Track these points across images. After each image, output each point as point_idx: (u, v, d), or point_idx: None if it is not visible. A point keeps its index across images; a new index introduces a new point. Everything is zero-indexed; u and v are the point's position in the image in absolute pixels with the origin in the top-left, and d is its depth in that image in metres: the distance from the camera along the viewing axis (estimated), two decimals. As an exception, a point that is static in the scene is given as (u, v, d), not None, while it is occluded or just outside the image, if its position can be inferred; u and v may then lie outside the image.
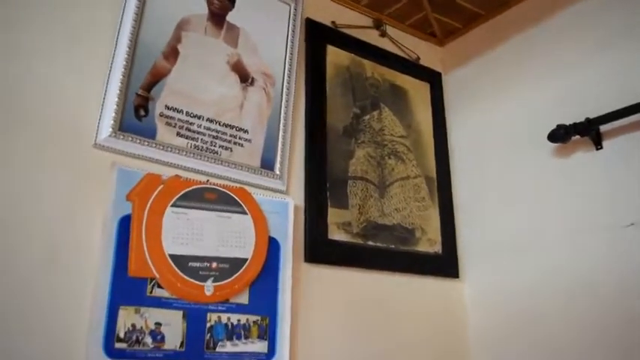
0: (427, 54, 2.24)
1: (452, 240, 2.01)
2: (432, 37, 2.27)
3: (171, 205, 1.41)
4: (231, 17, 1.68)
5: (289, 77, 1.74)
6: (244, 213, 1.52)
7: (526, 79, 1.91)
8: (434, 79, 2.21)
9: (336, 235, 1.70)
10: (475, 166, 2.04)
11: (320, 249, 1.66)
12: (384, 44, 2.10)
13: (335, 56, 1.90)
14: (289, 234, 1.59)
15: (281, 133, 1.67)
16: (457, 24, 2.18)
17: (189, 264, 1.38)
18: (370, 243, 1.77)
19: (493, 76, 2.05)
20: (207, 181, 1.49)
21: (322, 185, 1.72)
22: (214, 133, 1.54)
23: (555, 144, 1.70)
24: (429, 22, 2.17)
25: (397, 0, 2.04)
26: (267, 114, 1.67)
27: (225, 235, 1.47)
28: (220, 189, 1.50)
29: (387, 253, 1.81)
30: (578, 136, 1.63)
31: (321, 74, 1.84)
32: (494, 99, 2.02)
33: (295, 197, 1.66)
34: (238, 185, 1.54)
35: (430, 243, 1.94)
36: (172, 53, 1.53)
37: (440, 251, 1.96)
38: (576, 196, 1.64)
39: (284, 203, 1.62)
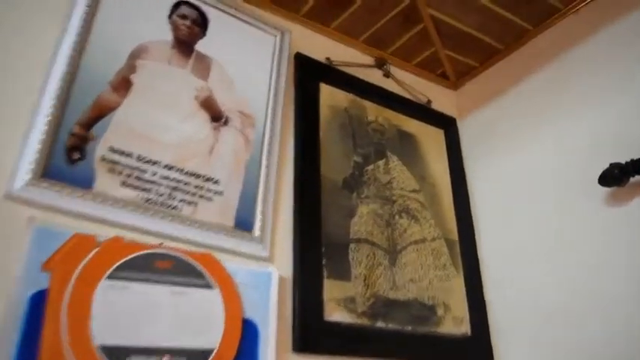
0: (439, 97, 1.94)
1: (483, 317, 1.59)
2: (444, 79, 1.98)
3: (108, 277, 1.04)
4: (201, 46, 1.39)
5: (273, 117, 1.42)
6: (209, 287, 1.14)
7: (559, 116, 1.58)
8: (448, 125, 1.89)
9: (335, 315, 1.30)
10: (505, 224, 1.66)
11: (314, 334, 1.25)
12: (389, 85, 1.80)
13: (330, 96, 1.60)
14: (272, 315, 1.20)
15: (262, 184, 1.32)
16: (472, 61, 1.89)
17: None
18: (380, 325, 1.37)
19: (517, 117, 1.72)
20: (161, 244, 1.13)
21: (316, 250, 1.34)
22: (174, 184, 1.20)
23: (609, 188, 1.33)
24: (440, 60, 1.88)
25: (401, 34, 1.76)
26: (244, 160, 1.33)
27: (182, 318, 1.08)
28: (177, 255, 1.13)
29: (402, 337, 1.39)
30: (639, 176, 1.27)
31: (313, 116, 1.52)
32: (521, 142, 1.68)
33: (281, 266, 1.28)
34: (203, 250, 1.18)
35: (456, 322, 1.53)
36: (123, 84, 1.22)
37: (469, 332, 1.54)
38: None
39: (265, 274, 1.24)
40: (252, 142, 1.36)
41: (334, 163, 1.50)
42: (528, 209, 1.60)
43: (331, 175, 1.47)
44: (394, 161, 1.66)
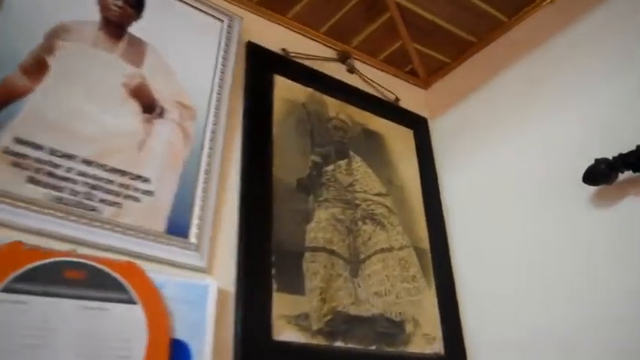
0: (409, 95, 1.80)
1: (457, 335, 1.44)
2: (414, 76, 1.84)
3: (2, 290, 0.86)
4: (136, 29, 1.23)
5: (217, 110, 1.25)
6: (131, 302, 0.96)
7: (539, 112, 1.44)
8: (418, 125, 1.75)
9: (285, 334, 1.13)
10: (481, 231, 1.51)
11: (260, 357, 1.08)
12: (354, 82, 1.65)
13: (286, 90, 1.44)
14: (208, 334, 1.02)
15: (201, 184, 1.16)
16: (443, 57, 1.76)
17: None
18: (339, 344, 1.20)
19: (493, 115, 1.59)
20: (73, 251, 0.95)
21: (264, 260, 1.17)
22: (93, 181, 1.02)
23: (595, 186, 1.19)
24: (408, 55, 1.74)
25: (364, 25, 1.62)
26: (182, 157, 1.16)
27: (94, 340, 0.90)
28: (92, 263, 0.95)
29: (364, 358, 1.22)
30: (629, 172, 1.13)
31: (265, 109, 1.36)
32: (498, 142, 1.54)
33: (222, 278, 1.11)
34: (125, 259, 1.00)
35: (427, 340, 1.36)
36: (38, 67, 1.05)
37: (442, 352, 1.38)
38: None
39: (201, 287, 1.06)
40: (192, 137, 1.20)
41: (289, 163, 1.34)
42: (507, 214, 1.45)
43: (285, 175, 1.31)
44: (357, 162, 1.50)
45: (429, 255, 1.51)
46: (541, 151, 1.40)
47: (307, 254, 1.25)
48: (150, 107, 1.16)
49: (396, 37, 1.67)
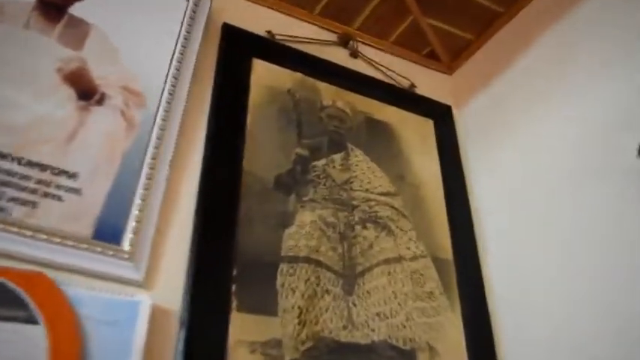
0: (427, 81, 1.53)
1: (491, 369, 1.12)
2: (434, 60, 1.57)
3: None
4: (78, 9, 1.07)
5: (172, 96, 1.06)
6: (30, 321, 0.76)
7: (579, 84, 1.14)
8: (440, 114, 1.47)
9: (247, 366, 0.88)
10: (519, 236, 1.20)
11: (209, 396, 0.84)
12: (359, 67, 1.42)
13: (268, 75, 1.23)
14: (136, 366, 0.80)
15: (143, 180, 0.95)
16: (466, 34, 1.48)
17: None
18: (322, 381, 0.93)
19: (529, 97, 1.29)
20: (-37, 261, 0.77)
21: (223, 272, 0.94)
22: (3, 177, 0.85)
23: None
24: (423, 34, 1.49)
25: (365, 2, 1.39)
26: (122, 149, 0.97)
27: (-25, 373, 0.71)
28: (-17, 275, 0.77)
29: (360, 399, 0.95)
30: None
31: (238, 97, 1.15)
32: (536, 128, 1.24)
33: (164, 294, 0.89)
34: (34, 269, 0.81)
35: (450, 377, 1.06)
36: (-48, 51, 0.91)
37: (471, 392, 1.07)
38: None
39: (130, 304, 0.84)
40: (138, 127, 1.01)
41: (266, 156, 1.11)
42: (550, 214, 1.14)
43: (259, 170, 1.09)
44: (357, 155, 1.25)
45: (453, 267, 1.22)
46: (584, 130, 1.09)
47: (283, 266, 1.01)
48: (87, 93, 0.99)
49: (404, 13, 1.42)
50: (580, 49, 1.19)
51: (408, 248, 1.18)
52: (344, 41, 1.43)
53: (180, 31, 1.14)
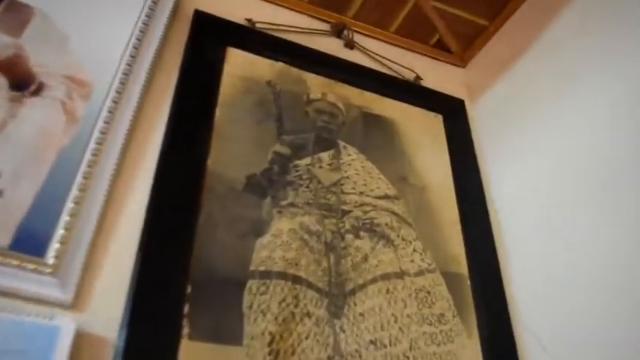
0: (435, 72, 1.35)
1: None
2: (443, 50, 1.39)
3: None
4: (21, -7, 0.95)
5: (123, 85, 0.91)
6: None
7: (616, 65, 0.94)
8: (451, 109, 1.28)
9: (199, 410, 0.70)
10: (549, 247, 0.99)
11: None
12: (356, 60, 1.25)
13: (244, 65, 1.07)
14: (47, 411, 0.63)
15: (80, 179, 0.80)
16: (477, 18, 1.30)
17: None
18: None
19: (557, 76, 1.09)
20: None
21: (173, 290, 0.77)
22: None
23: None
24: (428, 21, 1.31)
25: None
26: (58, 146, 0.82)
27: None
28: None
29: None
30: None
31: (206, 88, 0.99)
32: (568, 110, 1.04)
33: (96, 318, 0.72)
34: None
35: (468, 420, 0.84)
36: None
37: None
38: None
39: (47, 330, 0.67)
40: (81, 121, 0.86)
41: (236, 155, 0.94)
42: (585, 220, 0.93)
43: (227, 171, 0.92)
44: (350, 154, 1.07)
45: (468, 282, 1.01)
46: (615, 110, 0.89)
47: (253, 282, 0.82)
48: (22, 83, 0.85)
49: (405, -2, 1.26)
50: (610, 19, 0.99)
51: (412, 261, 0.98)
52: (337, 30, 1.27)
53: (140, 16, 1.00)
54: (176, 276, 0.77)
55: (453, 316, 0.95)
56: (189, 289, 0.78)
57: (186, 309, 0.76)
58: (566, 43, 1.10)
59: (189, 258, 0.80)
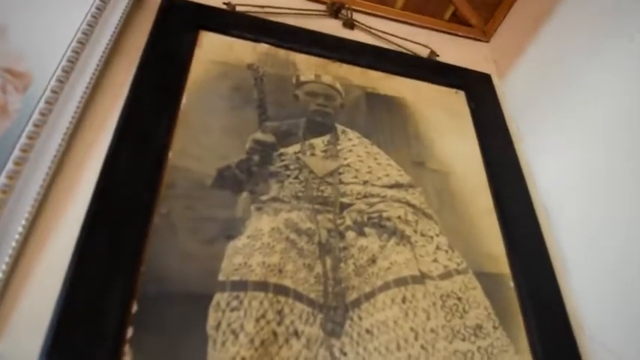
0: (454, 49, 1.16)
1: None
2: (461, 25, 1.20)
3: None
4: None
5: (66, 74, 0.77)
6: None
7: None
8: (475, 85, 1.08)
9: None
10: (611, 233, 0.75)
11: None
12: (357, 38, 1.08)
13: (220, 49, 0.92)
14: None
15: (3, 179, 0.65)
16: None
17: None
18: None
19: (596, 32, 0.89)
20: None
21: (113, 309, 0.59)
22: None
23: None
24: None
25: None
26: (-19, 143, 0.68)
27: None
28: None
29: None
30: None
31: (171, 74, 0.84)
32: (616, 65, 0.83)
33: (12, 348, 0.56)
34: None
35: None
36: None
37: None
38: None
39: None
40: (13, 115, 0.72)
41: (206, 145, 0.78)
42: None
43: (194, 163, 0.75)
44: (351, 139, 0.88)
45: (511, 285, 0.78)
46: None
47: (221, 296, 0.64)
48: (-51, 80, 0.73)
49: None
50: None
51: (436, 261, 0.77)
52: (334, 10, 1.11)
53: (92, 4, 0.88)
54: (116, 293, 0.60)
55: (494, 328, 0.73)
56: (134, 309, 0.60)
57: (129, 333, 0.58)
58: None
59: (136, 271, 0.63)
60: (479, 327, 0.72)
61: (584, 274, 0.80)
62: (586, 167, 0.85)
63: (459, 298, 0.74)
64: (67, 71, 0.78)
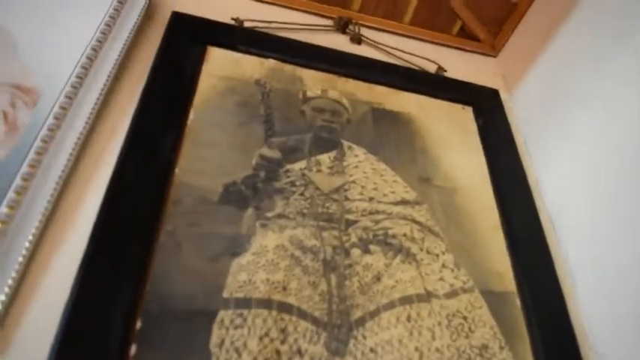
0: (461, 64, 1.16)
1: None
2: (468, 39, 1.21)
3: None
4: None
5: (75, 90, 0.78)
6: None
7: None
8: (483, 100, 1.08)
9: None
10: (624, 246, 0.75)
11: None
12: (364, 54, 1.09)
13: (227, 64, 0.93)
14: None
15: (11, 194, 0.66)
16: (504, -6, 1.12)
17: None
18: None
19: (603, 39, 0.88)
20: None
21: (117, 325, 0.59)
22: None
23: None
24: (445, 4, 1.14)
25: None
26: (-10, 159, 0.69)
27: None
28: None
29: None
30: None
31: (179, 90, 0.85)
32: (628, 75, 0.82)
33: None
34: None
35: None
36: None
37: None
38: None
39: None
40: (23, 130, 0.73)
41: (213, 161, 0.78)
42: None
43: (200, 180, 0.76)
44: (357, 155, 0.88)
45: (518, 303, 0.78)
46: None
47: (225, 313, 0.64)
48: (-40, 96, 0.74)
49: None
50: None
51: (442, 279, 0.77)
52: (341, 25, 1.11)
53: (104, 17, 0.89)
54: (121, 309, 0.60)
55: (501, 348, 0.72)
56: (138, 325, 0.60)
57: (133, 350, 0.58)
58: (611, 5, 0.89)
59: (141, 287, 0.63)
60: (485, 347, 0.71)
61: (592, 292, 0.79)
62: (595, 183, 0.84)
63: (465, 318, 0.74)
64: (76, 87, 0.79)
